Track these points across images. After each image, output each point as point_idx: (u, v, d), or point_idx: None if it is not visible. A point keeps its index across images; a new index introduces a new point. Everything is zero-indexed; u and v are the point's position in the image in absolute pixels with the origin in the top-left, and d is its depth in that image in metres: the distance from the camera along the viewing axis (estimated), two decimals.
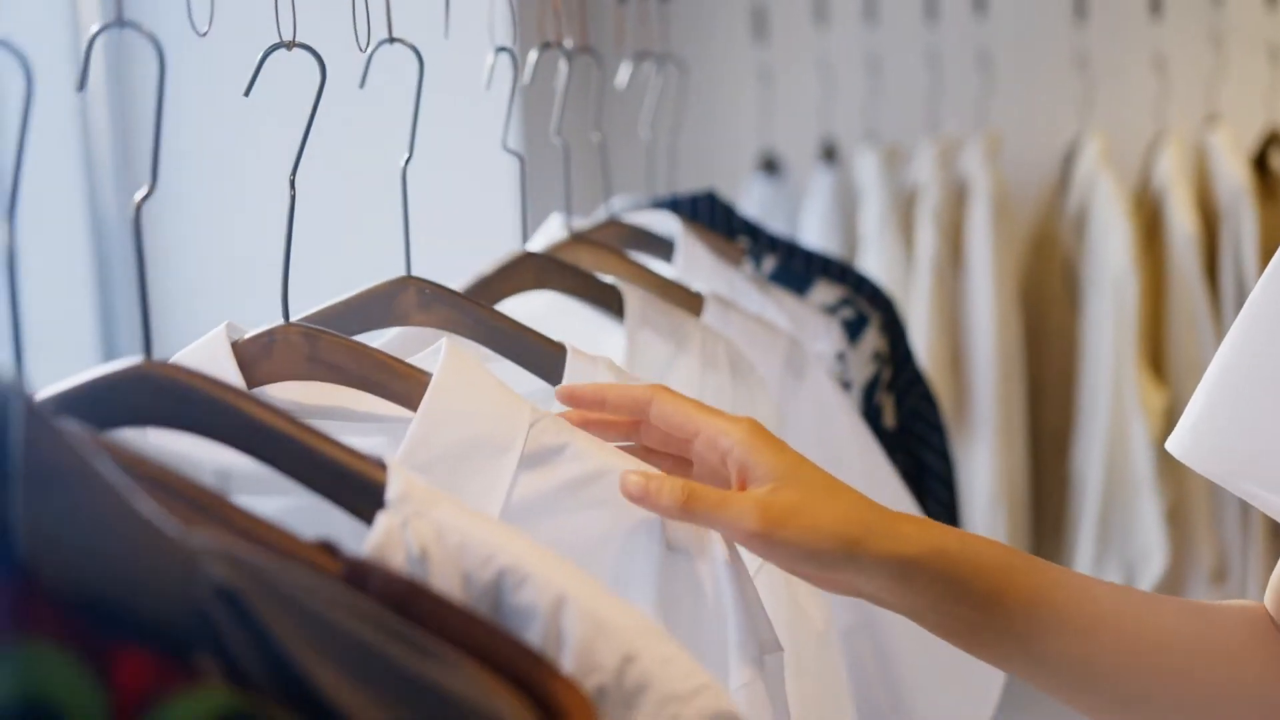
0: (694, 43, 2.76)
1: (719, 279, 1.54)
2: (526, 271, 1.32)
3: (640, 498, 0.84)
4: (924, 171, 2.76)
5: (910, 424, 1.77)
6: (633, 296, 1.30)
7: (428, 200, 1.87)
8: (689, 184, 1.90)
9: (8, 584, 0.46)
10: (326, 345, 0.91)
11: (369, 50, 0.97)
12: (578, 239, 1.47)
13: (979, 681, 1.50)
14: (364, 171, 2.17)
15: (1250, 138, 2.84)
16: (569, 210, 1.52)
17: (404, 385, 0.89)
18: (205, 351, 0.88)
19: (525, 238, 1.39)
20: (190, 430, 0.74)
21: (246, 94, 0.84)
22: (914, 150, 2.85)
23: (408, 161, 1.06)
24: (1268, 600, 1.00)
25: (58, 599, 0.47)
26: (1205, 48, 2.84)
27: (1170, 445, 1.02)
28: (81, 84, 0.77)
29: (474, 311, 1.07)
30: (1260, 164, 2.81)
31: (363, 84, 0.98)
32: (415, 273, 1.08)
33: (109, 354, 2.32)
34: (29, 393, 0.54)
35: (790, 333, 1.54)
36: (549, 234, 1.49)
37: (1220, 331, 2.64)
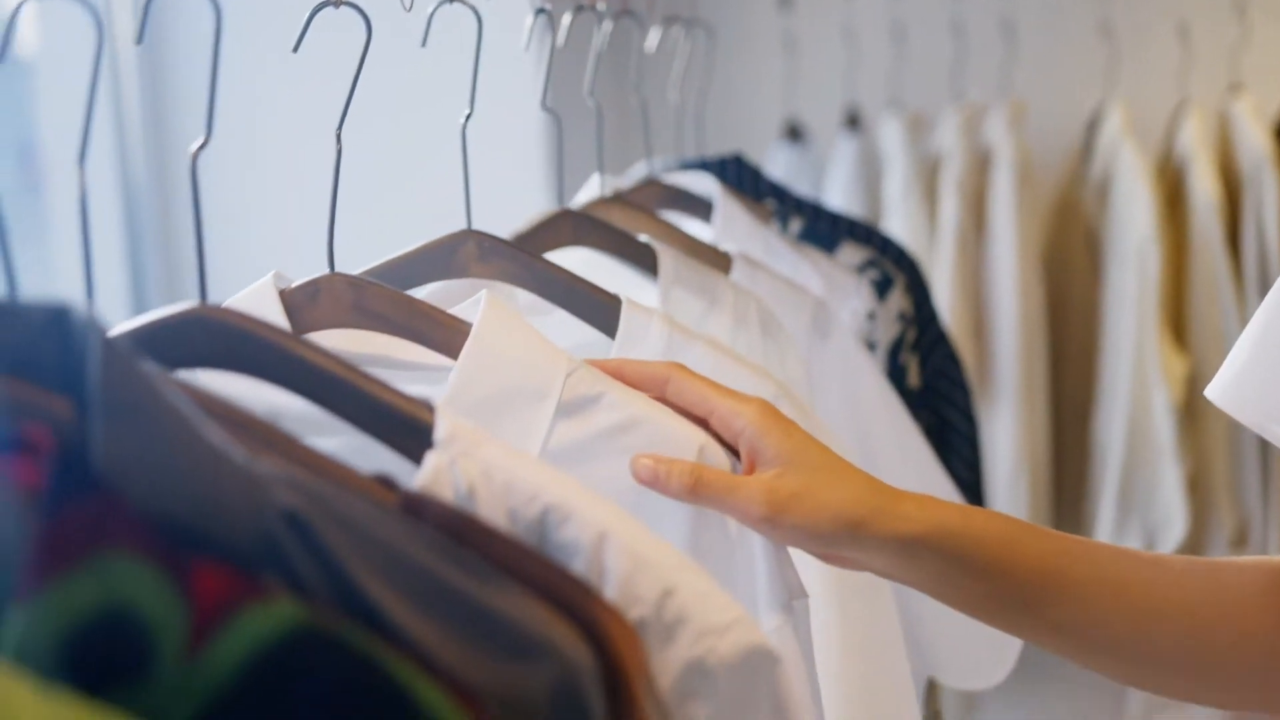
0: (721, 9, 2.77)
1: (755, 238, 1.56)
2: (564, 228, 1.35)
3: (650, 482, 0.87)
4: (948, 139, 2.78)
5: (934, 383, 1.80)
6: (666, 255, 1.32)
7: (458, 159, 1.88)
8: (714, 150, 1.92)
9: (94, 499, 0.48)
10: (371, 294, 0.93)
11: (433, 9, 1.00)
12: (610, 199, 1.49)
13: (1000, 635, 1.53)
14: (401, 130, 2.20)
15: (1273, 106, 2.84)
16: (602, 170, 1.54)
17: (445, 334, 0.92)
18: (253, 299, 0.90)
19: (562, 197, 1.42)
20: (244, 372, 0.77)
21: (295, 50, 0.86)
22: (938, 118, 2.86)
23: (468, 118, 1.08)
24: None
25: (139, 516, 0.49)
26: (1229, 16, 2.84)
27: (1210, 392, 1.04)
28: (140, 38, 0.80)
29: (532, 264, 1.10)
30: None
31: (424, 42, 1.00)
32: (447, 227, 1.11)
33: (138, 308, 2.35)
34: (105, 328, 0.56)
35: (817, 294, 1.57)
36: (590, 193, 1.52)
37: (1242, 299, 2.66)
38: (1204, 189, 2.66)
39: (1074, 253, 2.84)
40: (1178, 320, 2.73)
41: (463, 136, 1.08)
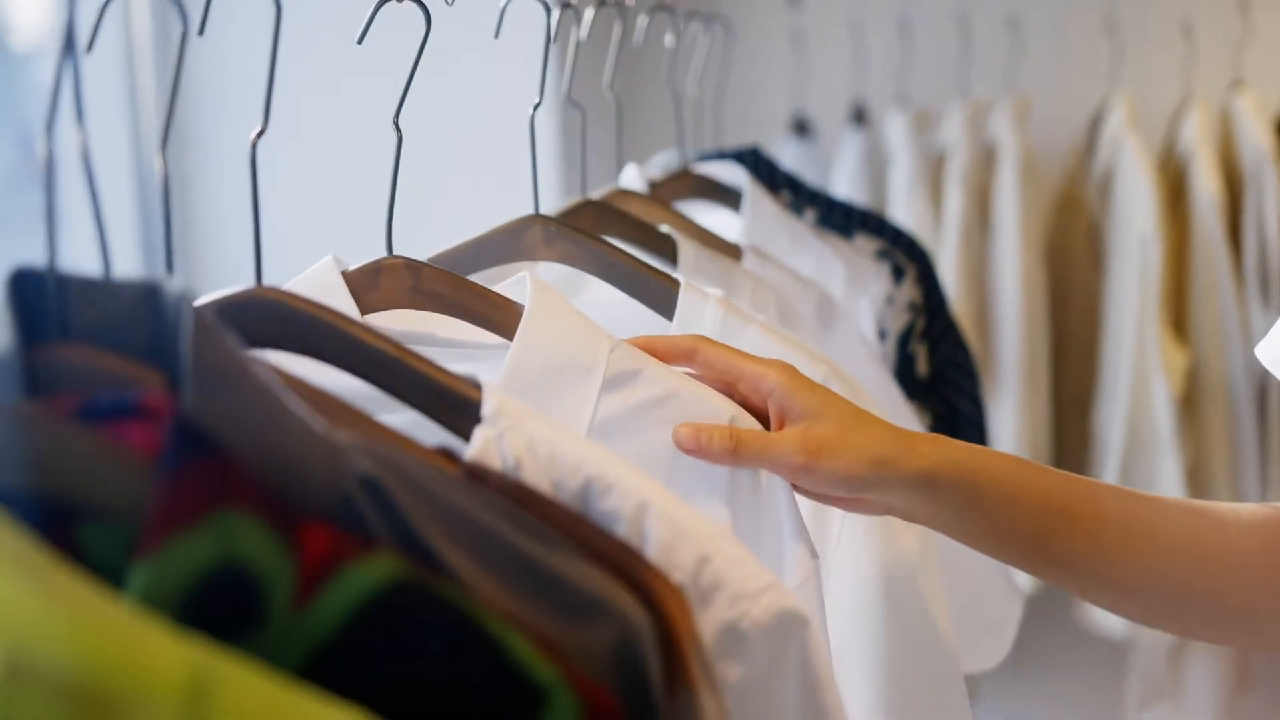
0: (730, 5, 2.80)
1: (781, 226, 1.61)
2: (586, 219, 1.39)
3: (694, 449, 0.94)
4: (953, 134, 2.81)
5: (944, 370, 1.83)
6: (686, 245, 1.36)
7: (471, 154, 1.94)
8: (715, 141, 1.96)
9: (210, 462, 0.52)
10: (428, 276, 0.98)
11: (504, 4, 1.03)
12: (627, 191, 1.53)
13: (998, 616, 1.56)
14: (421, 123, 2.23)
15: (1275, 102, 2.88)
16: (620, 162, 1.58)
17: (499, 314, 0.97)
18: (317, 280, 0.94)
19: (584, 187, 1.45)
20: (299, 352, 0.80)
21: (360, 41, 0.90)
22: (943, 113, 2.89)
23: (536, 107, 1.12)
24: None
25: (250, 477, 0.53)
26: (1232, 13, 2.88)
27: (1259, 351, 1.12)
28: (201, 29, 0.83)
29: (594, 248, 1.15)
30: None
31: (497, 34, 1.04)
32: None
33: None
34: (195, 302, 0.60)
35: (841, 279, 1.61)
36: (626, 182, 1.56)
37: (1242, 294, 2.69)
38: (1206, 185, 2.69)
39: (1076, 246, 2.88)
40: (1178, 314, 2.76)
41: (531, 127, 1.12)
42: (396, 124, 0.94)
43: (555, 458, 0.75)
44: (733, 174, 1.69)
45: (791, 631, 0.76)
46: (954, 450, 1.01)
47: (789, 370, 1.00)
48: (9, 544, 0.45)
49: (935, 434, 1.03)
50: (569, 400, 0.93)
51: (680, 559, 0.74)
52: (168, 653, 0.44)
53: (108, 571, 0.52)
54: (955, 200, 2.74)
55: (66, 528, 0.52)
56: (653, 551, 0.73)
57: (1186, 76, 2.86)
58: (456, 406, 0.80)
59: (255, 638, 0.52)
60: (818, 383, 1.01)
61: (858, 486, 0.99)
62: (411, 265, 0.99)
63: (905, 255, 1.86)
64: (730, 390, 1.00)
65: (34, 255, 0.57)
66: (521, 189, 1.21)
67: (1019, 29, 2.96)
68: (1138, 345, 2.67)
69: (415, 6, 1.01)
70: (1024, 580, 2.71)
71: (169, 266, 0.76)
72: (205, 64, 2.39)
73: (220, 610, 0.51)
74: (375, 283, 0.97)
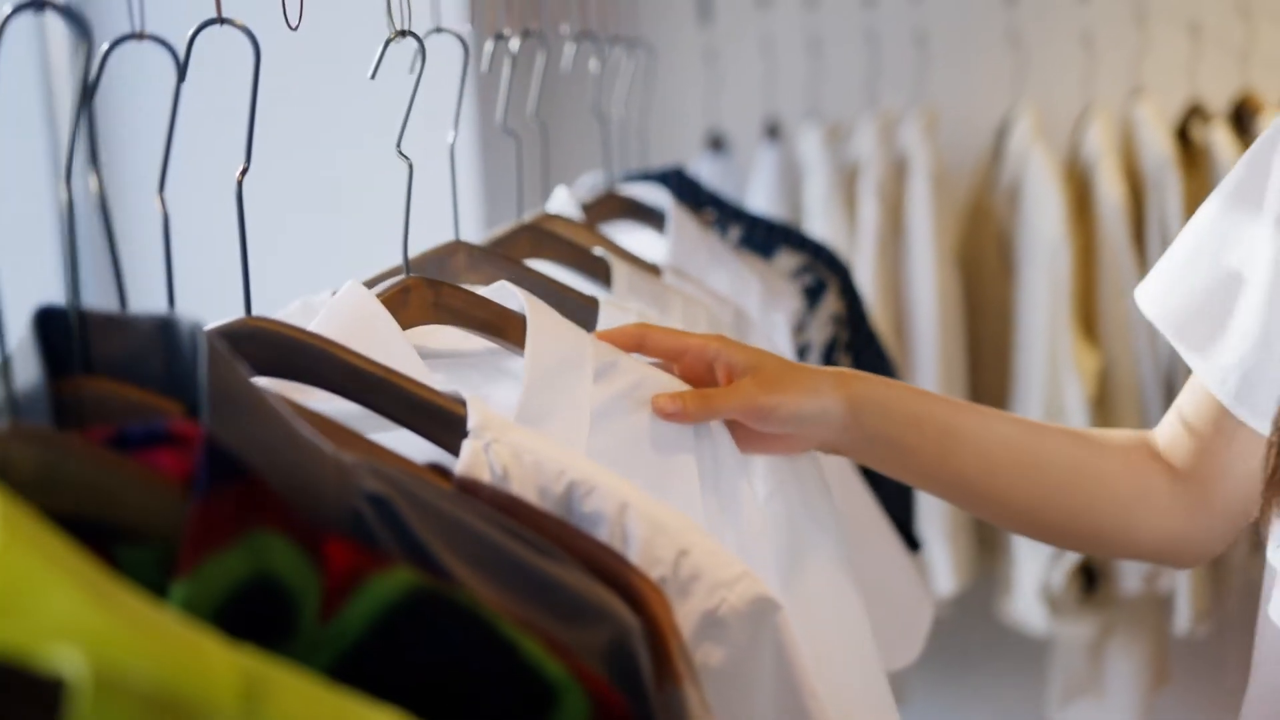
0: (641, 24, 2.85)
1: (703, 245, 1.66)
2: (523, 242, 1.43)
3: (675, 413, 1.06)
4: (865, 147, 2.87)
5: None
6: (620, 267, 1.41)
7: (391, 184, 1.95)
8: (640, 161, 2.00)
9: (239, 484, 0.55)
10: (446, 293, 1.06)
11: (424, 37, 1.07)
12: (553, 215, 1.57)
13: (910, 617, 1.61)
14: (331, 157, 2.26)
15: (1173, 110, 2.97)
16: (546, 189, 1.63)
17: (503, 322, 1.06)
18: (353, 304, 0.98)
19: (520, 212, 1.49)
20: (297, 378, 0.84)
21: (373, 77, 0.93)
22: (855, 127, 2.96)
23: (455, 140, 1.16)
24: (1161, 434, 1.26)
25: (277, 497, 0.56)
26: (1129, 25, 2.97)
27: (1138, 293, 1.25)
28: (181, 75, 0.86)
29: (516, 271, 1.19)
30: (1183, 136, 2.94)
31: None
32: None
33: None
34: (208, 335, 0.63)
35: (755, 297, 1.67)
36: (556, 205, 1.60)
37: None
38: (1110, 190, 2.77)
39: (987, 253, 2.95)
40: (1088, 316, 2.84)
41: (451, 155, 1.15)
42: (400, 151, 0.98)
43: (540, 465, 0.80)
44: (655, 195, 1.74)
45: (766, 615, 0.81)
46: (867, 379, 1.17)
47: (725, 337, 1.14)
48: (70, 561, 0.48)
49: (845, 369, 1.18)
50: (576, 392, 1.02)
51: (661, 553, 0.79)
52: (223, 660, 0.47)
53: (144, 590, 0.55)
54: (870, 211, 2.80)
55: (105, 549, 0.55)
56: (635, 548, 0.79)
57: (1088, 86, 2.94)
58: (445, 422, 0.84)
59: (287, 648, 0.56)
60: (748, 344, 1.16)
61: (803, 420, 1.13)
62: (431, 283, 1.06)
63: (827, 269, 1.92)
64: (671, 366, 1.14)
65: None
66: (445, 216, 1.25)
67: (925, 42, 3.03)
68: (1050, 348, 2.75)
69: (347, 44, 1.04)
70: (946, 581, 2.78)
71: (120, 293, 0.78)
72: (126, 100, 2.40)
73: (254, 623, 0.55)
74: (405, 301, 1.04)
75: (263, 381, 0.83)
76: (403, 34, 1.09)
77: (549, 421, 1.00)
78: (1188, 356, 1.20)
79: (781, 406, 1.11)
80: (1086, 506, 1.23)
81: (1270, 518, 1.06)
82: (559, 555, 0.68)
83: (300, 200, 2.25)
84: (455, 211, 1.18)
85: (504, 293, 1.07)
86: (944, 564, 2.78)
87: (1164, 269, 1.23)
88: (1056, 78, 3.04)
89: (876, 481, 1.86)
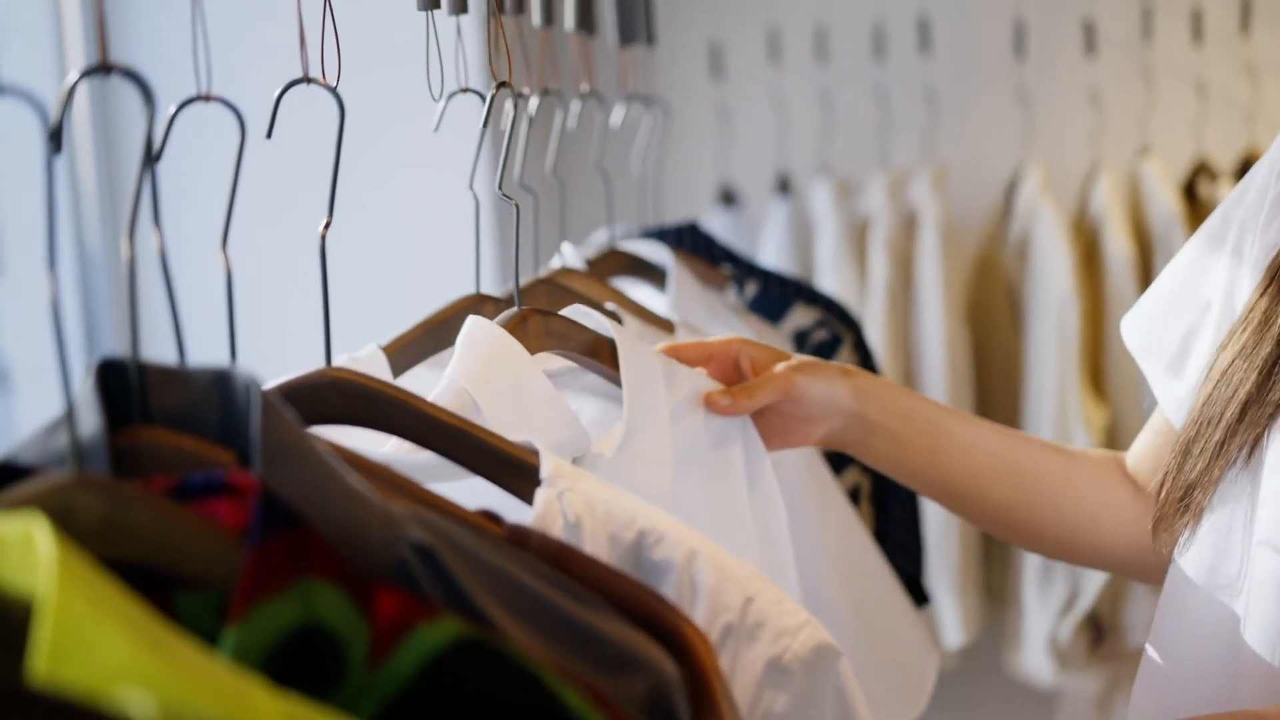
0: (654, 81, 2.88)
1: (701, 303, 1.69)
2: (540, 296, 1.45)
3: (728, 408, 1.20)
4: (875, 202, 2.90)
5: None
6: (631, 321, 1.45)
7: (407, 236, 1.99)
8: (653, 216, 2.03)
9: (291, 534, 0.57)
10: (554, 322, 1.15)
11: (444, 100, 1.09)
12: (572, 270, 1.59)
13: (916, 670, 1.62)
14: (352, 211, 2.28)
15: (1180, 168, 2.99)
16: (564, 240, 1.65)
17: (596, 344, 1.18)
18: (488, 341, 1.05)
19: (537, 266, 1.52)
20: (374, 426, 0.87)
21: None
22: (865, 182, 2.98)
23: (477, 202, 1.19)
24: (1130, 454, 1.35)
25: (328, 543, 0.58)
26: (1137, 83, 3.00)
27: (1123, 324, 1.37)
28: (269, 133, 0.88)
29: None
30: (1190, 192, 2.97)
31: (436, 128, 1.10)
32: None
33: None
34: (261, 384, 0.65)
35: None
36: (562, 261, 1.62)
37: None
38: (1118, 246, 2.79)
39: (996, 308, 2.97)
40: (1096, 372, 2.85)
41: (475, 211, 1.18)
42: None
43: (611, 514, 0.83)
44: (656, 252, 1.77)
45: (827, 662, 0.84)
46: (867, 374, 1.31)
47: (743, 338, 1.29)
48: (125, 608, 0.50)
49: (846, 365, 1.32)
50: (659, 401, 1.13)
51: (729, 600, 0.82)
52: (270, 707, 0.49)
53: (200, 635, 0.57)
54: (880, 266, 2.82)
55: (164, 596, 0.57)
56: (703, 595, 0.82)
57: (1095, 144, 2.97)
58: (517, 471, 0.87)
59: (335, 694, 0.57)
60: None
61: (823, 400, 1.26)
62: (540, 312, 1.14)
63: (841, 324, 1.94)
64: (706, 365, 1.27)
65: None
66: (450, 270, 1.29)
67: (935, 99, 3.06)
68: (1059, 403, 2.76)
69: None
70: (954, 634, 2.78)
71: (179, 346, 0.80)
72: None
73: (303, 669, 0.56)
74: (525, 331, 1.11)
75: (337, 430, 0.86)
76: (464, 91, 1.18)
77: (645, 430, 1.11)
78: (1153, 383, 1.29)
79: (811, 386, 1.25)
80: (1058, 512, 1.34)
81: (1162, 544, 1.19)
82: (600, 605, 0.70)
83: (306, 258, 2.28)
84: (477, 266, 1.21)
85: (582, 316, 1.19)
86: (952, 617, 2.79)
87: (1144, 303, 1.34)
88: (1065, 134, 3.07)
89: (885, 536, 1.88)
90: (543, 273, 1.52)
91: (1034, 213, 2.84)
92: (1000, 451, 1.33)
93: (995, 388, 2.95)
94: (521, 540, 0.74)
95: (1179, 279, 1.29)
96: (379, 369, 1.08)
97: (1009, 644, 2.89)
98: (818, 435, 1.29)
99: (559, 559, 0.73)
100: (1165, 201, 2.83)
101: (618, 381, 1.15)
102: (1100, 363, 2.85)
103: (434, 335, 1.17)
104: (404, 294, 2.15)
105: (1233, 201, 1.24)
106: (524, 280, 1.46)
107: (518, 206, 1.42)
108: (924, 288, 2.83)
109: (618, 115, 1.84)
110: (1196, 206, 2.93)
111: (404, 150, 2.11)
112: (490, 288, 1.32)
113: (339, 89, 0.91)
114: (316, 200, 0.86)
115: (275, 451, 0.63)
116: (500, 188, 1.12)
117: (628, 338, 1.16)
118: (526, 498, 0.83)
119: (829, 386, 1.26)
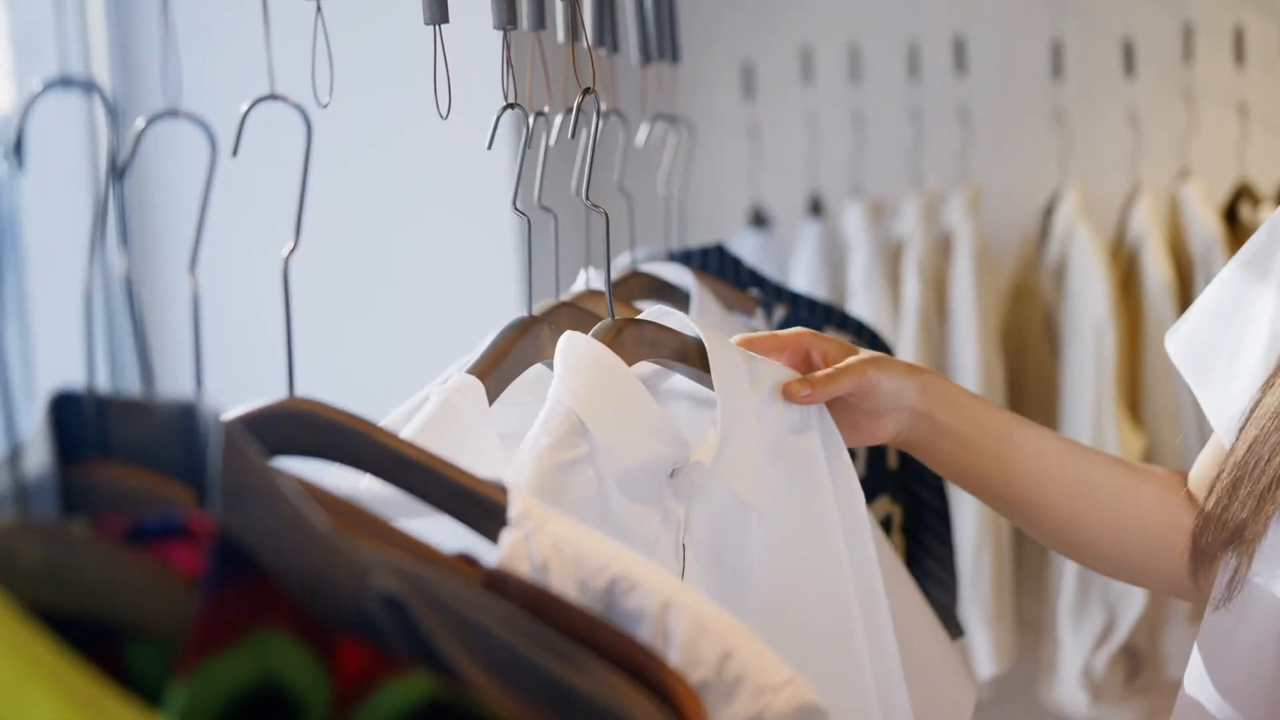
0: (685, 101, 2.85)
1: (724, 328, 1.64)
2: (563, 318, 1.41)
3: (807, 396, 1.21)
4: (908, 224, 2.86)
5: (908, 461, 1.85)
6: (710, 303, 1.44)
7: (440, 256, 1.95)
8: (677, 238, 1.99)
9: (248, 581, 0.53)
10: (648, 329, 1.18)
11: (496, 117, 1.07)
12: (595, 292, 1.56)
13: (953, 705, 1.58)
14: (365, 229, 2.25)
15: (1221, 191, 2.94)
16: (588, 263, 1.61)
17: (685, 346, 1.19)
18: (590, 357, 1.06)
19: (558, 290, 1.48)
20: (336, 460, 0.82)
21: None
22: (898, 203, 2.94)
23: (523, 214, 1.16)
24: (1192, 473, 1.33)
25: (286, 595, 0.54)
26: (1177, 105, 2.95)
27: (1167, 339, 1.39)
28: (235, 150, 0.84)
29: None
30: (1230, 216, 2.91)
31: (490, 144, 1.08)
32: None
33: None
34: (223, 421, 0.61)
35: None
36: (580, 286, 1.58)
37: None
38: (1157, 270, 2.74)
39: (1032, 333, 2.92)
40: (1133, 397, 2.80)
41: (527, 231, 1.16)
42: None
43: (581, 557, 0.77)
44: (679, 274, 1.73)
45: None
46: (935, 374, 1.31)
47: (813, 331, 1.29)
48: (56, 667, 0.46)
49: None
50: (747, 397, 1.15)
51: (704, 654, 0.76)
52: None
53: (152, 689, 0.53)
54: (913, 289, 2.78)
55: (114, 646, 0.53)
56: (676, 648, 0.75)
57: (1134, 166, 2.92)
58: (484, 509, 0.81)
59: None
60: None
61: (892, 394, 1.26)
62: (633, 321, 1.17)
63: (872, 348, 1.89)
64: (780, 357, 1.27)
65: None
66: (454, 292, 1.24)
67: (969, 119, 3.01)
68: (1095, 428, 2.71)
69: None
70: (987, 665, 2.73)
71: (145, 374, 0.76)
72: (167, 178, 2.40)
73: None
74: (622, 342, 1.13)
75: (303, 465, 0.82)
76: (510, 106, 1.18)
77: (737, 433, 1.12)
78: (1203, 403, 1.30)
79: (882, 380, 1.25)
80: (1123, 528, 1.33)
81: (1200, 579, 1.20)
82: (583, 659, 0.66)
83: (326, 277, 2.25)
84: (530, 288, 1.20)
85: (665, 317, 1.20)
86: (985, 648, 2.73)
87: (1191, 317, 1.36)
88: (1102, 157, 3.01)
89: (917, 566, 1.83)
90: (566, 296, 1.49)
91: (1071, 236, 2.80)
92: (1069, 463, 1.31)
93: (1031, 413, 2.87)
94: (499, 585, 0.69)
95: (1224, 296, 1.31)
96: (477, 400, 1.07)
97: (1043, 675, 2.83)
98: (886, 433, 1.29)
99: (539, 606, 0.68)
100: (1206, 225, 2.78)
101: (703, 380, 1.18)
102: (1138, 388, 2.80)
103: (500, 368, 1.15)
104: (410, 315, 2.13)
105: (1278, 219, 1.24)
106: (547, 303, 1.42)
107: (607, 214, 1.41)
108: (958, 312, 2.79)
109: (641, 134, 1.80)
110: (1238, 230, 2.88)
111: (413, 171, 2.07)
112: (509, 310, 1.29)
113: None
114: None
115: (234, 491, 0.59)
116: (539, 202, 1.12)
117: (715, 339, 1.17)
118: (493, 537, 0.78)
119: (897, 382, 1.26)
